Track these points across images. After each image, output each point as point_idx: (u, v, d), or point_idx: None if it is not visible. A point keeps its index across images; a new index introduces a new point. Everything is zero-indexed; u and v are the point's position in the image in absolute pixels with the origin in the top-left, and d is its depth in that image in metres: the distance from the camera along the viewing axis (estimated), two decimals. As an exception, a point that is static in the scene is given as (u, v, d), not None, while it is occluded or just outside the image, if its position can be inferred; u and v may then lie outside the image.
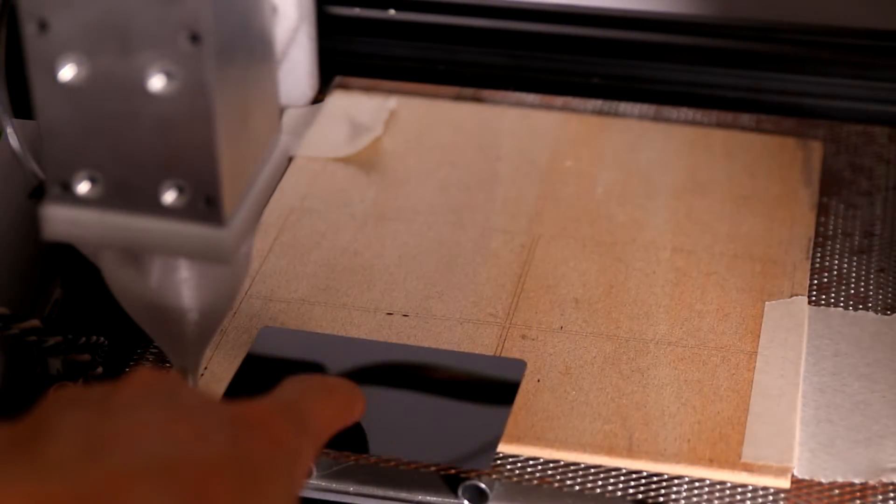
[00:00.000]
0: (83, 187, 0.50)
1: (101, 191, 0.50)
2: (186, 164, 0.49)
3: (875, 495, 0.59)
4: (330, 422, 0.52)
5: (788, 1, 0.84)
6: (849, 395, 0.63)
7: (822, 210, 0.74)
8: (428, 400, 0.64)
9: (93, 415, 0.43)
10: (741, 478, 0.59)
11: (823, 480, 0.60)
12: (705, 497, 0.59)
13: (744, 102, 0.83)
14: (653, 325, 0.67)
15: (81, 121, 0.49)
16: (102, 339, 0.65)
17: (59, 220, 0.51)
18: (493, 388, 0.64)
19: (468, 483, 0.60)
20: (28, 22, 0.47)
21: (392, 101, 0.82)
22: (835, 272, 0.70)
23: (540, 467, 0.60)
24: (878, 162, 0.77)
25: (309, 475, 0.60)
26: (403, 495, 0.60)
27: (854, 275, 0.70)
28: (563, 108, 0.82)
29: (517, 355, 0.65)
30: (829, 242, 0.72)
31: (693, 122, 0.81)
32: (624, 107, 0.82)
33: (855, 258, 0.71)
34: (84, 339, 0.65)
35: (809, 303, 0.68)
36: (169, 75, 0.48)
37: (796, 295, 0.68)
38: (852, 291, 0.69)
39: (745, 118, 0.81)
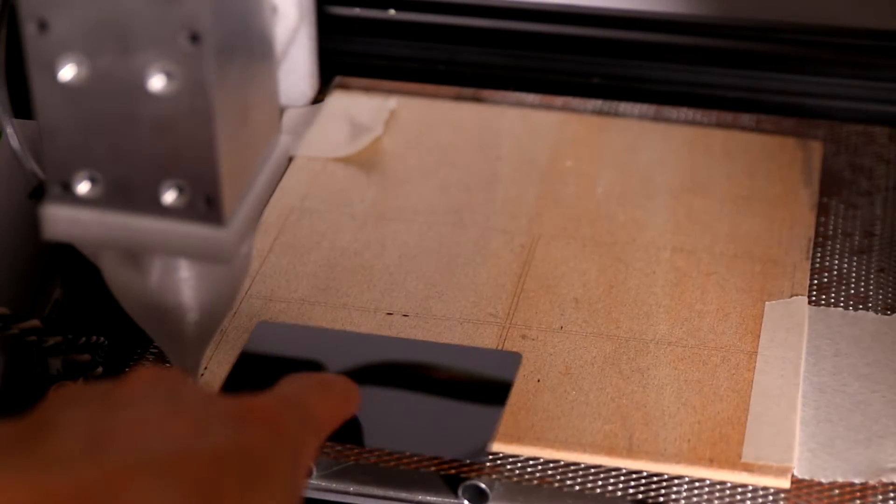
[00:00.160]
0: (83, 187, 0.50)
1: (101, 191, 0.50)
2: (186, 164, 0.49)
3: (875, 495, 0.59)
4: (330, 416, 0.52)
5: (788, 1, 0.84)
6: (849, 395, 0.63)
7: (822, 210, 0.74)
8: (423, 392, 0.64)
9: (94, 411, 0.43)
10: (741, 478, 0.59)
11: (823, 480, 0.60)
12: (705, 497, 0.59)
13: (744, 102, 0.83)
14: (653, 325, 0.67)
15: (81, 121, 0.49)
16: (102, 339, 0.65)
17: (59, 220, 0.51)
18: (489, 381, 0.64)
19: (468, 483, 0.60)
20: (28, 22, 0.47)
21: (392, 101, 0.82)
22: (835, 272, 0.70)
23: (540, 467, 0.60)
24: (878, 162, 0.77)
25: (309, 475, 0.60)
26: (403, 495, 0.60)
27: (854, 275, 0.70)
28: (563, 108, 0.82)
29: (517, 355, 0.65)
30: (829, 242, 0.72)
31: (693, 122, 0.81)
32: (624, 107, 0.82)
33: (855, 258, 0.71)
34: (84, 339, 0.65)
35: (809, 303, 0.68)
36: (169, 75, 0.48)
37: (796, 295, 0.68)
38: (852, 291, 0.69)
39: (745, 118, 0.81)
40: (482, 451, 0.60)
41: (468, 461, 0.60)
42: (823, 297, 0.69)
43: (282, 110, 0.80)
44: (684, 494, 0.59)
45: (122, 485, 0.40)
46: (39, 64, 0.48)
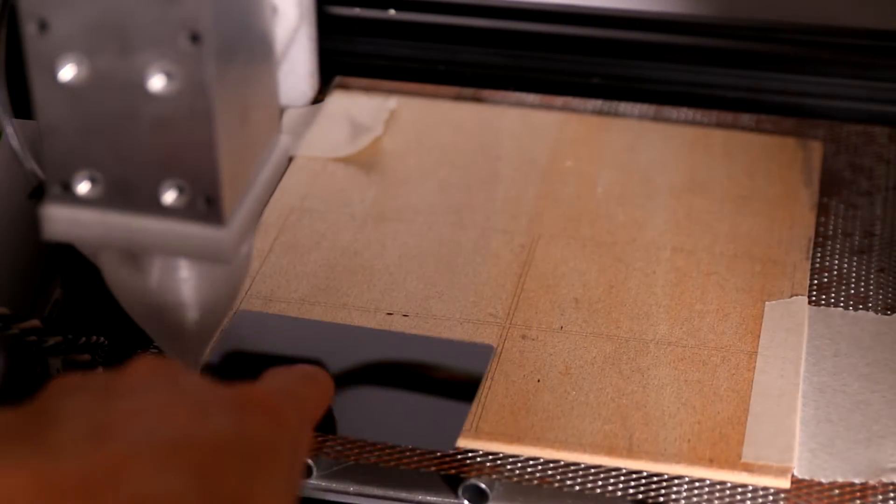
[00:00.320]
0: (83, 187, 0.50)
1: (101, 191, 0.50)
2: (186, 164, 0.49)
3: (875, 495, 0.59)
4: (317, 405, 0.52)
5: (788, 1, 0.84)
6: (849, 395, 0.63)
7: (822, 210, 0.74)
8: (396, 383, 0.64)
9: (96, 399, 0.44)
10: (741, 478, 0.59)
11: (823, 480, 0.60)
12: (705, 497, 0.59)
13: (744, 102, 0.83)
14: (653, 325, 0.67)
15: (81, 121, 0.49)
16: (102, 339, 0.65)
17: (59, 220, 0.51)
18: (462, 372, 0.64)
19: (468, 483, 0.60)
20: (28, 22, 0.47)
21: (392, 101, 0.82)
22: (835, 272, 0.70)
23: (540, 467, 0.60)
24: (878, 162, 0.77)
25: (309, 475, 0.60)
26: (403, 495, 0.60)
27: (854, 275, 0.70)
28: (563, 108, 0.82)
29: (517, 355, 0.65)
30: (829, 242, 0.72)
31: (693, 122, 0.81)
32: (624, 107, 0.82)
33: (855, 258, 0.71)
34: (84, 339, 0.65)
35: (809, 303, 0.68)
36: (169, 75, 0.48)
37: (796, 295, 0.68)
38: (852, 291, 0.69)
39: (745, 118, 0.81)
40: (450, 441, 0.60)
41: (439, 452, 0.60)
42: (823, 297, 0.69)
43: (282, 110, 0.80)
44: (684, 494, 0.59)
45: (125, 471, 0.40)
46: (39, 64, 0.48)
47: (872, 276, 0.70)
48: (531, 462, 0.61)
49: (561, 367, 0.64)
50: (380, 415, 0.62)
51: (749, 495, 0.59)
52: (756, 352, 0.65)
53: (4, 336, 0.64)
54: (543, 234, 0.72)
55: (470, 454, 0.61)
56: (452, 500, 0.60)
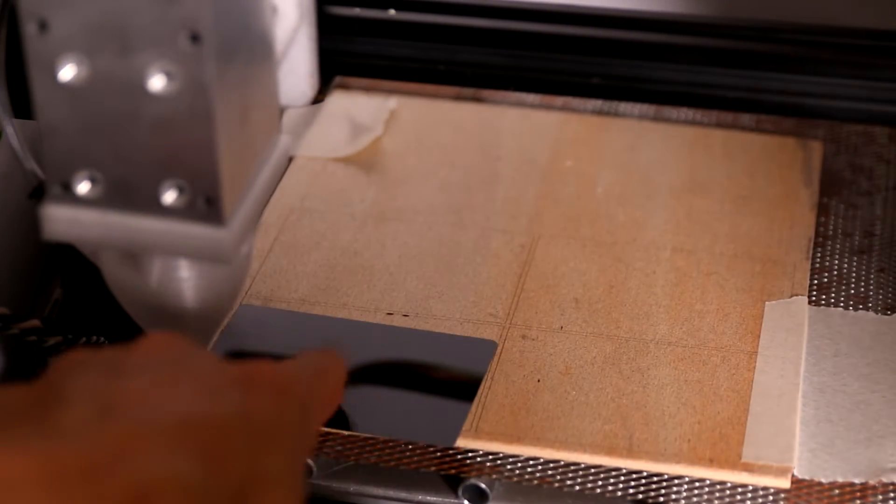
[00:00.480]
0: (83, 187, 0.50)
1: (101, 191, 0.50)
2: (186, 164, 0.49)
3: (875, 495, 0.59)
4: (332, 393, 0.52)
5: (788, 1, 0.84)
6: (849, 395, 0.63)
7: (822, 210, 0.74)
8: (398, 378, 0.64)
9: (103, 377, 0.43)
10: (741, 478, 0.59)
11: (823, 480, 0.60)
12: (705, 497, 0.59)
13: (744, 102, 0.83)
14: (653, 325, 0.67)
15: (81, 121, 0.49)
16: (102, 339, 0.65)
17: (59, 220, 0.51)
18: (464, 368, 0.64)
19: (468, 483, 0.60)
20: (28, 22, 0.47)
21: (392, 101, 0.82)
22: (835, 272, 0.70)
23: (540, 467, 0.60)
24: (878, 162, 0.77)
25: (309, 474, 0.60)
26: (403, 495, 0.60)
27: (854, 275, 0.70)
28: (563, 108, 0.82)
29: (517, 355, 0.65)
30: (829, 242, 0.72)
31: (693, 122, 0.81)
32: (624, 107, 0.82)
33: (855, 258, 0.71)
34: (84, 339, 0.65)
35: (809, 303, 0.68)
36: (169, 75, 0.48)
37: (796, 295, 0.68)
38: (852, 291, 0.69)
39: (745, 118, 0.81)
40: (452, 436, 0.60)
41: (441, 447, 0.60)
42: (823, 297, 0.69)
43: (282, 110, 0.80)
44: (684, 494, 0.59)
45: (130, 454, 0.40)
46: (39, 64, 0.48)
47: (872, 276, 0.70)
48: (531, 462, 0.61)
49: (561, 367, 0.64)
50: (382, 409, 0.63)
51: (749, 495, 0.59)
52: (756, 352, 0.65)
53: (4, 336, 0.64)
54: (543, 234, 0.72)
55: (470, 454, 0.61)
56: (452, 500, 0.60)
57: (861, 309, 0.68)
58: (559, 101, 0.82)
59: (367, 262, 0.71)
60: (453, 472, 0.60)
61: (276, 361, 0.48)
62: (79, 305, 0.71)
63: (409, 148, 0.79)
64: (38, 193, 0.54)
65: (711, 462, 0.60)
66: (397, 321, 0.67)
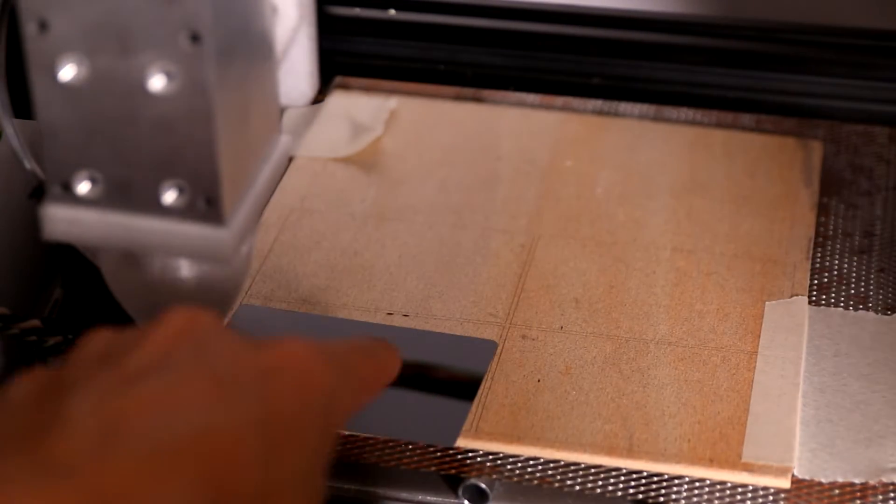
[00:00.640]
0: (83, 187, 0.50)
1: (101, 191, 0.50)
2: (186, 164, 0.49)
3: (875, 495, 0.59)
4: (373, 377, 0.50)
5: (788, 1, 0.84)
6: (849, 395, 0.63)
7: (822, 210, 0.74)
8: (400, 377, 0.64)
9: (110, 385, 0.41)
10: (741, 478, 0.59)
11: (824, 480, 0.60)
12: (705, 497, 0.59)
13: (744, 102, 0.83)
14: (653, 325, 0.67)
15: (81, 121, 0.49)
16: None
17: (59, 220, 0.51)
18: (464, 368, 0.64)
19: (468, 483, 0.60)
20: (28, 22, 0.47)
21: (392, 101, 0.82)
22: (835, 272, 0.70)
23: (540, 467, 0.60)
24: (878, 162, 0.77)
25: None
26: (403, 495, 0.60)
27: (854, 275, 0.70)
28: (563, 108, 0.82)
29: (517, 355, 0.65)
30: (830, 242, 0.72)
31: (693, 122, 0.81)
32: (624, 107, 0.82)
33: (855, 258, 0.71)
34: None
35: (810, 303, 0.68)
36: (169, 75, 0.48)
37: (796, 295, 0.68)
38: (852, 291, 0.69)
39: (745, 118, 0.81)
40: (452, 436, 0.60)
41: (441, 446, 0.60)
42: (823, 297, 0.69)
43: (282, 110, 0.80)
44: (684, 494, 0.59)
45: (136, 488, 0.39)
46: (39, 64, 0.48)
47: (872, 276, 0.70)
48: (531, 462, 0.61)
49: (561, 366, 0.64)
50: (382, 409, 0.62)
51: (749, 495, 0.59)
52: (756, 352, 0.65)
53: (4, 336, 0.64)
54: (543, 234, 0.72)
55: (470, 454, 0.61)
56: (452, 500, 0.60)
57: (861, 309, 0.68)
58: (559, 101, 0.82)
59: (367, 262, 0.71)
60: (453, 472, 0.60)
61: (305, 341, 0.46)
62: (79, 305, 0.71)
63: (409, 148, 0.79)
64: (38, 193, 0.53)
65: (711, 462, 0.60)
66: (397, 321, 0.67)
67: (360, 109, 0.81)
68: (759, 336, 0.66)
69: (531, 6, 0.86)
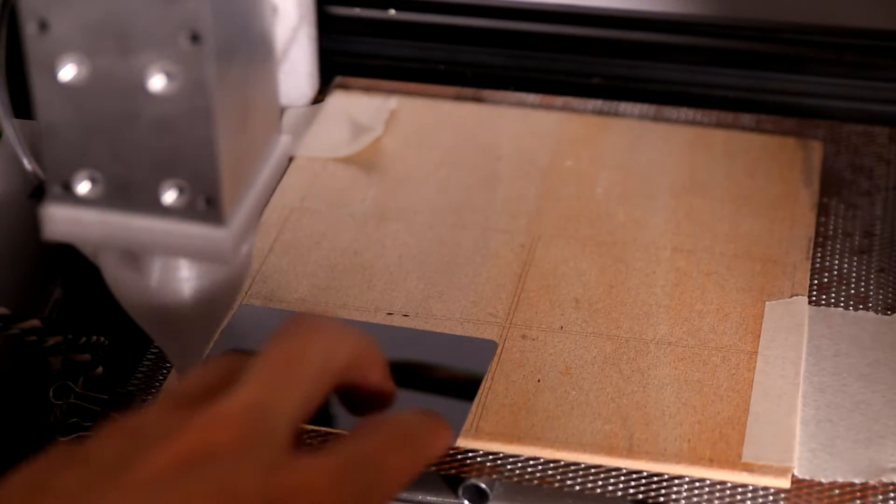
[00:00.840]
0: (83, 187, 0.50)
1: (101, 191, 0.50)
2: (186, 164, 0.49)
3: (875, 495, 0.59)
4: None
5: (788, 1, 0.84)
6: (849, 395, 0.63)
7: (822, 210, 0.74)
8: (400, 377, 0.64)
9: (109, 492, 0.39)
10: (741, 478, 0.59)
11: (824, 480, 0.60)
12: (705, 497, 0.59)
13: (744, 102, 0.83)
14: (653, 325, 0.67)
15: (81, 121, 0.49)
16: (102, 339, 0.65)
17: (59, 220, 0.51)
18: (465, 368, 0.64)
19: (468, 483, 0.60)
20: (28, 22, 0.47)
21: (392, 101, 0.82)
22: (835, 272, 0.70)
23: (540, 467, 0.60)
24: (878, 162, 0.77)
25: None
26: (403, 495, 0.60)
27: (854, 275, 0.70)
28: (563, 108, 0.82)
29: (517, 355, 0.65)
30: (830, 242, 0.72)
31: (693, 122, 0.81)
32: (624, 107, 0.82)
33: (855, 258, 0.71)
34: (84, 339, 0.65)
35: (810, 303, 0.68)
36: (169, 75, 0.47)
37: (796, 295, 0.68)
38: (852, 291, 0.69)
39: (746, 118, 0.81)
40: (455, 435, 0.60)
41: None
42: (823, 297, 0.69)
43: (282, 110, 0.80)
44: (684, 494, 0.59)
45: None
46: (39, 64, 0.48)
47: (872, 276, 0.70)
48: (531, 462, 0.61)
49: (561, 366, 0.64)
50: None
51: (749, 495, 0.59)
52: (756, 352, 0.65)
53: (4, 336, 0.64)
54: (543, 234, 0.72)
55: (470, 454, 0.61)
56: (452, 500, 0.60)
57: (861, 309, 0.68)
58: (559, 101, 0.82)
59: (367, 262, 0.71)
60: (453, 472, 0.60)
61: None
62: (79, 305, 0.71)
63: (409, 148, 0.79)
64: (38, 193, 0.53)
65: (711, 462, 0.60)
66: (397, 321, 0.67)
67: (360, 109, 0.81)
68: (759, 336, 0.66)
69: (531, 6, 0.86)
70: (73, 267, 0.71)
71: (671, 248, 0.71)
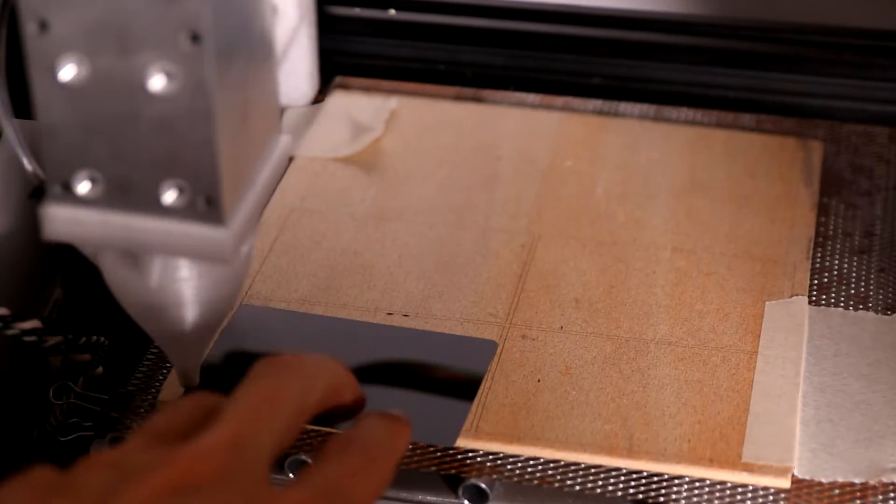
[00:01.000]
0: (83, 187, 0.50)
1: (101, 191, 0.50)
2: (186, 164, 0.49)
3: (875, 495, 0.59)
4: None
5: (788, 1, 0.84)
6: (849, 395, 0.63)
7: (822, 210, 0.74)
8: (398, 378, 0.64)
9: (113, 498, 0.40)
10: (741, 478, 0.59)
11: (824, 480, 0.60)
12: (705, 497, 0.59)
13: (744, 102, 0.83)
14: (653, 325, 0.67)
15: (81, 121, 0.49)
16: (102, 339, 0.65)
17: (59, 220, 0.51)
18: (464, 368, 0.64)
19: (468, 483, 0.60)
20: (28, 22, 0.47)
21: (392, 101, 0.82)
22: (835, 272, 0.70)
23: (540, 467, 0.60)
24: (878, 162, 0.77)
25: None
26: (403, 495, 0.60)
27: (854, 275, 0.70)
28: (563, 108, 0.82)
29: (517, 355, 0.65)
30: (830, 242, 0.72)
31: (693, 122, 0.81)
32: (624, 107, 0.82)
33: (855, 258, 0.71)
34: (84, 339, 0.65)
35: (810, 303, 0.68)
36: (169, 75, 0.48)
37: (796, 295, 0.68)
38: (852, 291, 0.69)
39: (746, 118, 0.81)
40: (452, 436, 0.60)
41: (441, 446, 0.60)
42: (824, 297, 0.69)
43: (282, 110, 0.80)
44: (684, 494, 0.59)
45: None
46: (39, 64, 0.48)
47: (872, 276, 0.70)
48: (531, 462, 0.61)
49: (561, 366, 0.64)
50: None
51: (749, 495, 0.59)
52: (756, 352, 0.65)
53: (4, 336, 0.64)
54: (543, 234, 0.72)
55: (470, 454, 0.61)
56: (452, 500, 0.60)
57: (861, 309, 0.68)
58: (559, 101, 0.82)
59: (367, 262, 0.71)
60: (453, 472, 0.60)
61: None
62: (79, 305, 0.71)
63: (409, 148, 0.79)
64: (38, 193, 0.53)
65: (711, 462, 0.60)
66: (397, 321, 0.67)
67: (360, 109, 0.81)
68: (759, 336, 0.66)
69: (531, 6, 0.86)
70: (73, 267, 0.71)
71: (671, 248, 0.71)
